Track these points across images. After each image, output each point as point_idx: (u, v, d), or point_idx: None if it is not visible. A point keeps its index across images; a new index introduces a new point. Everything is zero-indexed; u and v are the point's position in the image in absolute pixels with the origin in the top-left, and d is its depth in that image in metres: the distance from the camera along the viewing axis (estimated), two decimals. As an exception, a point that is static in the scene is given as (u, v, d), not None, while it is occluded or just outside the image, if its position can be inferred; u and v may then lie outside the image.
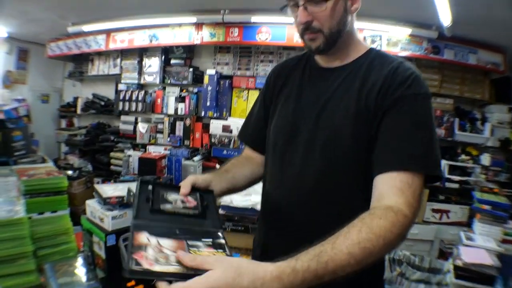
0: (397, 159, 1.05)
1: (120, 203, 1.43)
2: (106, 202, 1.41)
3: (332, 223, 0.95)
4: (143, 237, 0.87)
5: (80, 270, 1.30)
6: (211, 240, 0.96)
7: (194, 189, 1.19)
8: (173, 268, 0.79)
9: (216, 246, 0.94)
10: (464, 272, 2.43)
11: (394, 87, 1.11)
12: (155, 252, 0.83)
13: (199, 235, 0.97)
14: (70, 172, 4.92)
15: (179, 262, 0.81)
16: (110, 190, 1.47)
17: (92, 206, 1.47)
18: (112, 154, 4.92)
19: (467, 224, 3.63)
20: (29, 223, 1.32)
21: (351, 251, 0.86)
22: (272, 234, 1.35)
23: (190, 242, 0.91)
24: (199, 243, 0.92)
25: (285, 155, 1.29)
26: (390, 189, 1.02)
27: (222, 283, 0.76)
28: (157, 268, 0.78)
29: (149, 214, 1.03)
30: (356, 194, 1.16)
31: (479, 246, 2.69)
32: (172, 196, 1.12)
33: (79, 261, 1.36)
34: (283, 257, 0.84)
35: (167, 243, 0.88)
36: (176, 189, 1.17)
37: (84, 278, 1.26)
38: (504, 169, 3.98)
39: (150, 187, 1.11)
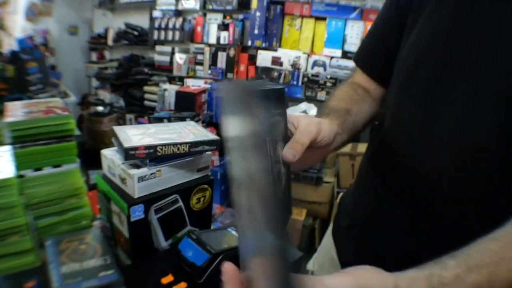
0: None
1: (152, 157, 0.93)
2: (129, 155, 0.90)
3: (488, 207, 0.74)
4: None
5: (94, 250, 0.90)
6: None
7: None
8: None
9: None
10: None
11: None
12: None
13: None
14: (100, 108, 4.73)
15: None
16: (137, 135, 0.97)
17: (110, 158, 0.98)
18: (146, 88, 4.58)
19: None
20: (21, 184, 0.91)
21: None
22: (388, 205, 0.93)
23: None
24: None
25: (431, 93, 0.83)
26: None
27: None
28: None
29: None
30: None
31: None
32: None
33: (95, 234, 0.96)
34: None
35: None
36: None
37: (99, 264, 0.85)
38: None
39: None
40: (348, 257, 1.03)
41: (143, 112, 4.51)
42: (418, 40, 0.88)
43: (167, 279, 0.86)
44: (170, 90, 4.13)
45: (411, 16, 0.91)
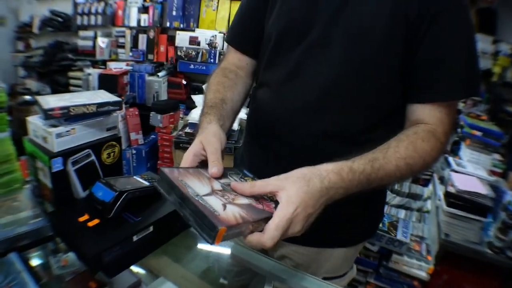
0: (441, 91, 0.99)
1: (67, 116, 1.12)
2: (48, 116, 1.09)
3: (337, 146, 1.05)
4: None
5: (26, 205, 1.09)
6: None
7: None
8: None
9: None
10: (457, 199, 2.18)
11: None
12: None
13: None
14: (28, 97, 4.65)
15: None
16: (54, 100, 1.15)
17: (34, 123, 1.15)
18: (70, 73, 4.57)
19: (452, 152, 3.56)
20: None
21: (398, 164, 0.90)
22: (265, 157, 1.18)
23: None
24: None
25: (290, 59, 1.07)
26: (431, 118, 1.00)
27: (301, 198, 0.75)
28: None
29: None
30: (373, 116, 1.07)
31: (470, 174, 2.45)
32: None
33: (26, 193, 1.14)
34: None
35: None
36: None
37: (29, 215, 1.05)
38: (484, 100, 3.91)
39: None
40: None
41: (69, 98, 4.47)
42: (278, 15, 1.09)
43: (83, 218, 1.03)
44: (94, 74, 4.14)
45: None
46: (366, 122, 1.05)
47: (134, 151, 3.64)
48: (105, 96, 1.23)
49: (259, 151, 1.20)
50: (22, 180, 1.20)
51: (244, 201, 0.76)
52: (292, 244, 1.21)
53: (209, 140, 0.90)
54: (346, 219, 1.15)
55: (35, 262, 1.03)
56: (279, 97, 1.10)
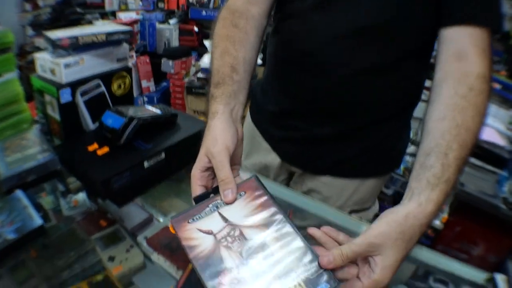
0: (484, 12, 0.84)
1: (75, 45, 1.08)
2: (56, 46, 1.07)
3: (371, 78, 0.98)
4: None
5: (33, 142, 1.09)
6: None
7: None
8: None
9: None
10: (476, 149, 2.09)
11: None
12: None
13: None
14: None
15: None
16: (62, 32, 1.13)
17: (41, 57, 1.14)
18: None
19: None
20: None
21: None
22: (294, 92, 1.09)
23: None
24: None
25: None
26: (474, 48, 0.82)
27: (398, 263, 0.64)
28: None
29: None
30: (407, 47, 0.97)
31: (489, 125, 2.38)
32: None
33: (34, 132, 1.14)
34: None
35: None
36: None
37: (37, 150, 1.05)
38: (502, 60, 3.81)
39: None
40: (274, 134, 1.16)
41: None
42: None
43: (92, 147, 1.02)
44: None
45: None
46: (398, 54, 0.97)
47: (145, 98, 3.61)
48: (116, 26, 1.21)
49: (287, 86, 1.11)
50: (30, 120, 1.19)
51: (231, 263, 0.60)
52: (322, 176, 1.15)
53: (213, 152, 0.72)
54: (376, 148, 1.10)
55: (44, 204, 1.03)
56: (309, 29, 0.99)
